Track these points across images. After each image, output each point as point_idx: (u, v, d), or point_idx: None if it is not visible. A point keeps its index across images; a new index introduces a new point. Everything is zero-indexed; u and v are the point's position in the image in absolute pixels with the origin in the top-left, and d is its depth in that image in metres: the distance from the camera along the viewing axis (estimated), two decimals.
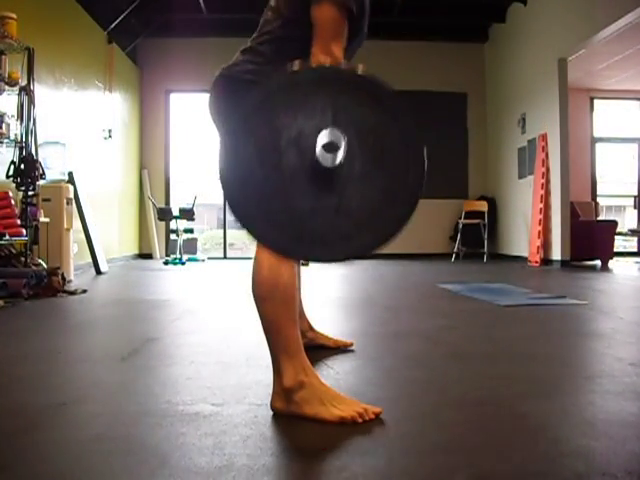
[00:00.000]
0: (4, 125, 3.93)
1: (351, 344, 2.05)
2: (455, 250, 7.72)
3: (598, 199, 8.61)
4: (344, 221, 1.08)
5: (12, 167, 4.05)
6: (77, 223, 5.24)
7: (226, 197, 1.09)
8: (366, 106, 1.08)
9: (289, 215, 1.07)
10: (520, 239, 7.43)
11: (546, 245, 6.62)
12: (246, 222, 1.09)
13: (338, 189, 1.05)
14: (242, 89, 1.40)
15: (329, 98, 1.07)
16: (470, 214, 7.75)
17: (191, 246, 8.48)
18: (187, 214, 7.37)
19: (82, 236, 5.43)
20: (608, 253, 6.81)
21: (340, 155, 1.00)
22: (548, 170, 6.58)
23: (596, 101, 8.69)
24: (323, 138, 1.01)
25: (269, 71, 1.39)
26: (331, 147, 0.99)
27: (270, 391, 1.33)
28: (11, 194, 3.98)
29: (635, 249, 8.82)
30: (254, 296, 1.33)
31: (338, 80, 1.09)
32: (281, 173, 1.06)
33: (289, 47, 1.38)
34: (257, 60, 1.43)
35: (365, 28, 1.47)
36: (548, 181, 6.58)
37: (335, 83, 1.09)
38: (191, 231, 7.97)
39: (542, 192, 6.59)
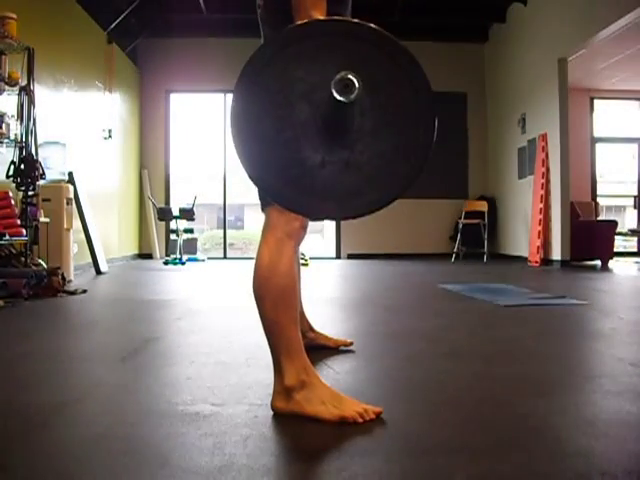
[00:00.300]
0: (4, 125, 3.93)
1: (351, 343, 2.05)
2: (455, 250, 7.72)
3: (598, 199, 8.61)
4: (355, 176, 1.09)
5: (12, 167, 4.05)
6: (77, 223, 5.24)
7: (238, 153, 1.09)
8: (378, 61, 1.08)
9: (301, 169, 1.07)
10: (520, 239, 7.43)
11: (546, 245, 6.62)
12: (259, 177, 1.09)
13: (349, 143, 1.05)
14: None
15: (341, 51, 1.07)
16: (470, 214, 7.74)
17: (191, 246, 8.48)
18: (187, 214, 7.37)
19: (82, 236, 5.43)
20: (608, 253, 6.81)
21: (355, 92, 0.99)
22: (548, 170, 6.58)
23: (596, 101, 8.69)
24: (340, 76, 1.00)
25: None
26: (347, 83, 0.98)
27: (270, 391, 1.33)
28: (11, 194, 3.98)
29: (635, 249, 8.81)
30: (255, 296, 1.33)
31: (350, 33, 1.09)
32: (293, 127, 1.07)
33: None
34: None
35: None
36: (548, 181, 6.58)
37: (347, 36, 1.08)
38: (191, 231, 7.97)
39: (542, 192, 6.59)
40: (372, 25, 1.11)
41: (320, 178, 1.07)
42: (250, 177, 1.10)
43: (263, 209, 1.38)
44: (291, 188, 1.08)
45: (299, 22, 1.11)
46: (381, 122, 1.09)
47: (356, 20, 1.16)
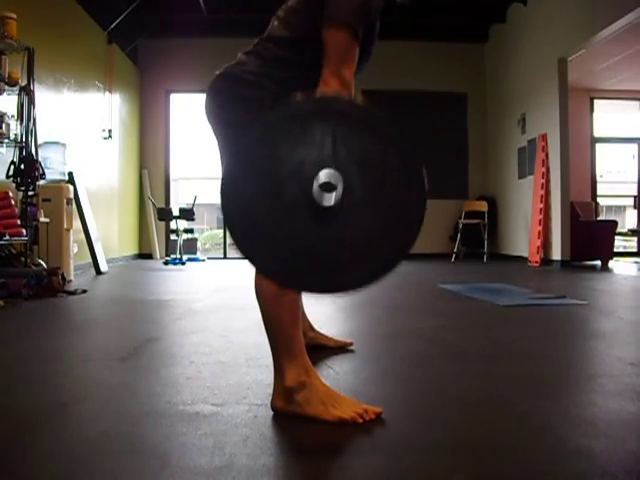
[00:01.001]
0: (4, 125, 3.93)
1: (351, 343, 2.05)
2: (455, 250, 7.72)
3: (598, 199, 8.61)
4: (347, 253, 1.08)
5: (12, 167, 4.05)
6: (77, 223, 5.24)
7: (229, 230, 1.09)
8: (365, 135, 1.09)
9: (291, 248, 1.08)
10: (520, 239, 7.43)
11: (546, 245, 6.62)
12: (249, 255, 1.10)
13: (339, 221, 1.05)
14: (242, 87, 1.39)
15: (328, 129, 1.08)
16: (470, 214, 7.74)
17: (191, 246, 8.48)
18: (187, 214, 7.38)
19: (82, 236, 5.43)
20: (608, 253, 6.81)
21: (337, 195, 1.00)
22: (548, 170, 6.58)
23: (596, 101, 8.69)
24: (320, 178, 1.01)
25: (268, 73, 1.39)
26: (328, 187, 0.99)
27: (270, 391, 1.33)
28: (11, 194, 3.98)
29: (635, 249, 8.81)
30: (257, 295, 1.33)
31: (336, 111, 1.10)
32: (282, 206, 1.07)
33: (289, 66, 1.38)
34: (258, 63, 1.41)
35: (373, 50, 1.46)
36: (548, 181, 6.58)
37: (333, 114, 1.09)
38: (191, 231, 7.98)
39: (542, 192, 6.59)
40: (356, 101, 1.13)
41: (311, 257, 1.07)
42: (239, 252, 1.10)
43: None
44: (281, 265, 1.09)
45: (284, 104, 1.12)
46: (371, 196, 1.09)
47: (341, 96, 1.18)
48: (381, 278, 1.10)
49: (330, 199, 1.00)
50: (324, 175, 1.00)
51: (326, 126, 1.07)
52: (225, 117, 1.41)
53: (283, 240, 1.08)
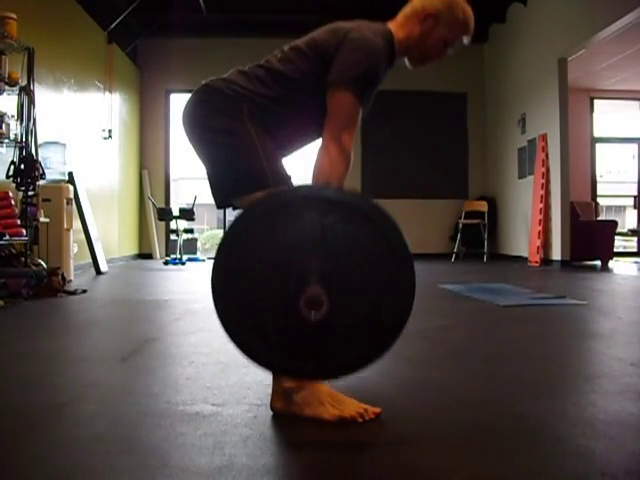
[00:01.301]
0: (4, 125, 3.93)
1: None
2: (455, 250, 7.72)
3: (598, 199, 8.60)
4: (334, 338, 1.09)
5: (12, 167, 4.05)
6: (77, 223, 5.24)
7: (220, 320, 1.11)
8: (354, 224, 1.10)
9: (281, 335, 1.09)
10: (520, 239, 7.43)
11: (546, 245, 6.62)
12: (238, 342, 1.11)
13: (330, 309, 1.04)
14: (218, 99, 1.38)
15: (317, 217, 1.09)
16: (470, 214, 7.74)
17: (191, 246, 8.48)
18: (187, 214, 7.38)
19: (82, 236, 5.43)
20: (608, 253, 6.81)
21: (322, 312, 1.00)
22: (548, 170, 6.58)
23: (596, 101, 8.68)
24: (307, 293, 1.01)
25: (251, 92, 1.37)
26: (314, 305, 1.00)
27: (270, 391, 1.33)
28: (11, 194, 3.98)
29: (635, 249, 8.81)
30: None
31: (324, 199, 1.11)
32: (272, 295, 1.09)
33: (272, 95, 1.38)
34: (244, 80, 1.40)
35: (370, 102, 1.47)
36: (548, 181, 6.58)
37: (321, 202, 1.11)
38: (191, 231, 7.97)
39: (542, 192, 6.58)
40: (345, 190, 1.14)
41: (300, 341, 1.07)
42: (230, 339, 1.11)
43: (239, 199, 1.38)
44: (272, 353, 1.10)
45: (272, 191, 1.13)
46: (360, 283, 1.10)
47: (330, 186, 1.19)
48: (371, 363, 1.10)
49: (316, 315, 1.00)
50: (310, 293, 1.00)
51: (315, 214, 1.09)
52: (207, 123, 1.40)
53: (274, 328, 1.09)
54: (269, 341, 1.08)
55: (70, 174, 5.27)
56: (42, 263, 4.17)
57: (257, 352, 1.11)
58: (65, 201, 4.72)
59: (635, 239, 8.76)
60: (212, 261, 1.16)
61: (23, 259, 3.96)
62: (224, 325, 1.10)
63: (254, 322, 1.08)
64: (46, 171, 4.34)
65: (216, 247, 1.15)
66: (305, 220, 1.09)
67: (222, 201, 1.45)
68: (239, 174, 1.34)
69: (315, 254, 1.07)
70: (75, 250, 4.97)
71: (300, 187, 1.16)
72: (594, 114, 8.72)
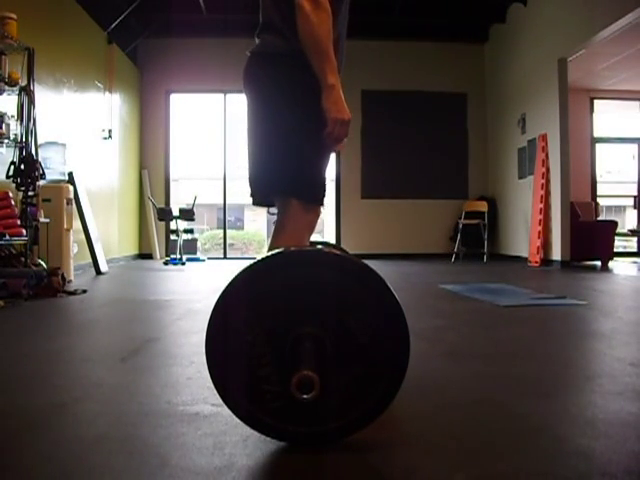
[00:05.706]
0: (4, 125, 3.93)
1: None
2: (455, 250, 7.71)
3: (598, 199, 8.60)
4: (331, 401, 1.09)
5: (12, 167, 4.05)
6: (77, 223, 5.24)
7: (216, 389, 1.12)
8: (346, 288, 1.11)
9: (277, 400, 1.09)
10: (520, 239, 7.43)
11: (546, 245, 6.62)
12: (235, 409, 1.12)
13: (324, 372, 1.04)
14: (268, 61, 1.46)
15: (307, 278, 1.10)
16: (470, 214, 7.74)
17: (191, 246, 8.48)
18: (187, 214, 7.38)
19: (82, 236, 5.42)
20: (608, 253, 6.81)
21: (314, 394, 1.00)
22: (548, 170, 6.58)
23: (596, 101, 8.68)
24: (296, 379, 1.00)
25: (287, 38, 1.41)
26: (305, 389, 0.99)
27: None
28: (11, 194, 3.98)
29: (635, 249, 8.81)
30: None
31: (313, 262, 1.12)
32: (268, 364, 1.09)
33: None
34: (273, 35, 1.45)
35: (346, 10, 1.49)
36: (548, 181, 6.57)
37: (310, 264, 1.11)
38: (191, 231, 7.97)
39: (542, 192, 6.58)
40: (338, 253, 1.15)
41: (296, 407, 1.07)
42: (227, 406, 1.12)
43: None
44: (270, 418, 1.10)
45: (268, 254, 1.13)
46: (352, 346, 1.10)
47: (323, 248, 1.19)
48: (364, 427, 1.10)
49: (307, 397, 1.00)
50: (302, 375, 1.00)
51: (305, 276, 1.10)
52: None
53: (271, 393, 1.09)
54: (268, 408, 1.09)
55: (70, 174, 5.27)
56: (42, 263, 4.17)
57: (255, 418, 1.11)
58: (65, 201, 4.72)
59: (635, 239, 8.76)
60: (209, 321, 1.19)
61: (23, 259, 3.96)
62: (217, 390, 1.11)
63: (248, 387, 1.09)
64: (46, 171, 4.34)
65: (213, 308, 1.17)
66: (294, 284, 1.10)
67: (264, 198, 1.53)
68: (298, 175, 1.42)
69: (308, 321, 1.08)
70: (75, 250, 4.97)
71: (286, 252, 1.15)
72: (594, 114, 8.72)
